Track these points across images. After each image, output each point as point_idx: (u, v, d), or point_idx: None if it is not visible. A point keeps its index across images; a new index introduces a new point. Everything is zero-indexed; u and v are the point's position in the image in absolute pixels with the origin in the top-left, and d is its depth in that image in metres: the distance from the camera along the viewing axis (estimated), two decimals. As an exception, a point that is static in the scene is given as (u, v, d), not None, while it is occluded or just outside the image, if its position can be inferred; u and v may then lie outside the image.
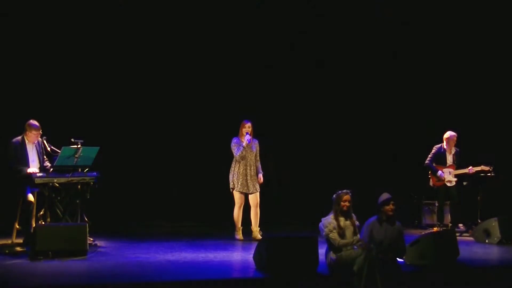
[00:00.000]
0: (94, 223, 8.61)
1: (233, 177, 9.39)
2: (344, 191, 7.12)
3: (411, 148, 11.58)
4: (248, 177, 9.36)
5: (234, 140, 9.43)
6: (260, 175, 9.49)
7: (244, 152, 9.33)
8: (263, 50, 11.73)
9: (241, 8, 11.52)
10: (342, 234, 7.00)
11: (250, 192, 9.39)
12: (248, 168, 9.38)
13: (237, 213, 9.44)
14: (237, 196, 9.40)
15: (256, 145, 9.49)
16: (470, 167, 10.31)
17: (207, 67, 11.54)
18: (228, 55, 11.61)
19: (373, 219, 7.13)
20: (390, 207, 7.06)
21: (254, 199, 9.43)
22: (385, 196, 7.14)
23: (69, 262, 7.37)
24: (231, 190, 9.44)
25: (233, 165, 9.44)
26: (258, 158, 9.50)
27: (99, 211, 9.44)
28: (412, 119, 12.27)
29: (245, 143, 9.30)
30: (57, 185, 8.25)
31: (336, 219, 7.02)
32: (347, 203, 7.06)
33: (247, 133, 9.33)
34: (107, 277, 6.73)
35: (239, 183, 9.33)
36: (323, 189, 9.52)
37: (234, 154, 9.38)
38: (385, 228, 7.06)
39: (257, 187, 9.44)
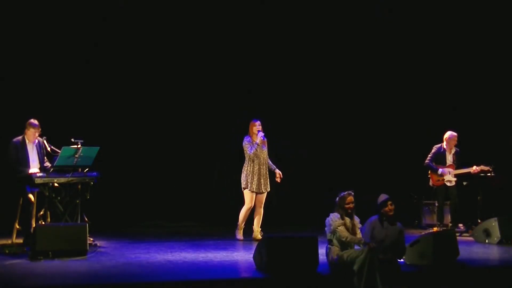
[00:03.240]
0: (94, 223, 8.61)
1: (246, 176, 9.36)
2: (347, 192, 7.11)
3: (411, 148, 11.57)
4: (261, 176, 9.36)
5: (247, 139, 9.42)
6: (277, 170, 9.50)
7: (257, 150, 9.33)
8: (262, 50, 11.73)
9: (240, 7, 11.52)
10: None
11: (262, 191, 9.39)
12: (262, 167, 9.37)
13: (245, 214, 9.43)
14: (249, 197, 9.37)
15: (266, 143, 9.51)
16: (474, 166, 10.30)
17: (207, 67, 11.54)
18: (228, 55, 11.60)
19: (374, 218, 7.12)
20: (389, 207, 7.06)
21: (262, 199, 9.44)
22: (382, 197, 7.13)
23: (69, 262, 7.37)
24: (242, 189, 9.41)
25: (246, 164, 9.41)
26: (267, 156, 9.52)
27: (99, 211, 9.46)
28: (412, 119, 12.26)
29: (259, 140, 9.30)
30: (57, 185, 8.25)
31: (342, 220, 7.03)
32: (351, 205, 7.07)
33: (259, 131, 9.34)
34: (107, 277, 6.73)
35: (253, 183, 9.32)
36: (323, 189, 9.54)
37: (248, 153, 9.36)
38: (386, 228, 7.06)
39: (268, 186, 9.45)
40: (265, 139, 9.48)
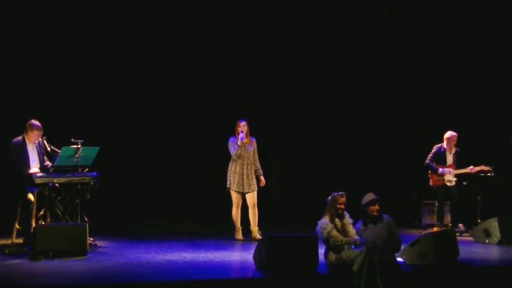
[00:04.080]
0: (94, 223, 8.61)
1: (229, 176, 9.44)
2: (340, 193, 7.07)
3: (411, 148, 11.57)
4: (245, 176, 9.37)
5: (231, 140, 9.49)
6: (261, 177, 9.52)
7: (240, 151, 9.36)
8: (262, 50, 11.73)
9: (240, 7, 11.52)
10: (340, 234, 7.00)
11: (246, 191, 9.40)
12: (245, 167, 9.39)
13: (235, 213, 9.46)
14: (234, 196, 9.43)
15: (253, 144, 9.52)
16: (471, 167, 10.31)
17: (206, 67, 11.53)
18: (228, 55, 11.60)
19: (358, 225, 7.11)
20: (375, 207, 7.04)
21: (251, 199, 9.44)
22: (370, 196, 7.10)
23: (69, 262, 7.37)
24: (227, 189, 9.48)
25: (230, 164, 9.49)
26: (256, 157, 9.53)
27: (99, 211, 9.45)
28: (412, 119, 12.25)
29: (239, 141, 9.33)
30: (57, 185, 8.25)
31: (332, 221, 7.00)
32: (342, 206, 7.04)
33: (241, 132, 9.37)
34: (107, 277, 6.73)
35: (235, 182, 9.36)
36: (323, 189, 9.51)
37: (231, 153, 9.42)
38: (373, 229, 7.04)
39: (254, 186, 9.44)
40: (253, 140, 9.51)
